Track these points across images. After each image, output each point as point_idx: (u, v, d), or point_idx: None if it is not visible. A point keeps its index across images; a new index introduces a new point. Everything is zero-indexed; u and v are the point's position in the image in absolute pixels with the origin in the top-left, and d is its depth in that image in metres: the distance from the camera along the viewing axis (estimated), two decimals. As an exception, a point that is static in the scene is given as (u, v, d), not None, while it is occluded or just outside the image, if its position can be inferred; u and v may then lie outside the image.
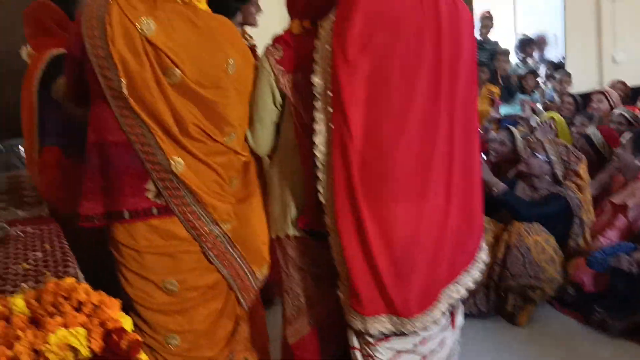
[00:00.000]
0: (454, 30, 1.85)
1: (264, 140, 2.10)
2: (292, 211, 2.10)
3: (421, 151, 1.84)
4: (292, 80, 1.99)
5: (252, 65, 2.06)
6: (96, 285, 1.39)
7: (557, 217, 3.22)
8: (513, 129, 3.86)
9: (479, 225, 2.09)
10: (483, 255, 2.11)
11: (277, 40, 2.06)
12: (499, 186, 3.24)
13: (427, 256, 1.87)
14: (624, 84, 5.63)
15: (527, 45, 6.83)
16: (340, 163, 1.84)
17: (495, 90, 5.94)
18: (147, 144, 1.86)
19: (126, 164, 1.87)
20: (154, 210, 1.90)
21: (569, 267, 3.22)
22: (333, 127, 1.85)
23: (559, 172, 3.34)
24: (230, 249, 2.02)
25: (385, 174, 1.82)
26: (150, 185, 1.89)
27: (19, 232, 2.11)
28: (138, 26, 1.80)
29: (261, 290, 2.23)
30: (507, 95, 6.12)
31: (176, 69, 1.82)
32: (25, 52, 2.68)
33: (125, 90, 1.81)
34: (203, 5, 1.92)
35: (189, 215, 1.91)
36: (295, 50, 2.01)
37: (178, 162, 1.87)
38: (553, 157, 3.34)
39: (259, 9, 3.57)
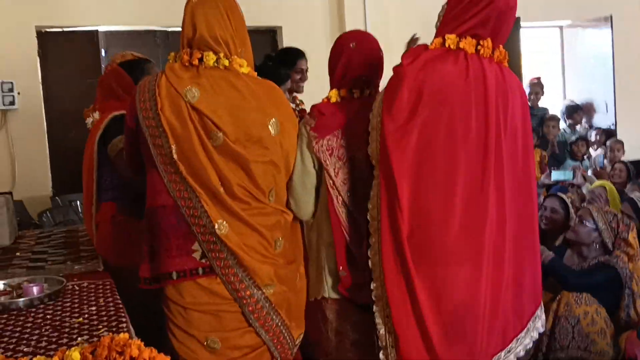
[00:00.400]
0: (502, 99, 1.89)
1: (305, 204, 2.16)
2: (327, 273, 2.15)
3: (470, 218, 1.85)
4: (325, 145, 2.11)
5: (296, 128, 2.16)
6: (143, 337, 1.45)
7: (607, 287, 3.13)
8: (564, 196, 3.82)
9: (535, 292, 2.06)
10: (539, 324, 2.08)
11: (312, 108, 2.21)
12: (546, 254, 3.19)
13: (479, 321, 1.86)
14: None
15: (574, 111, 6.81)
16: (389, 229, 1.88)
17: (544, 154, 5.90)
18: (193, 207, 1.95)
19: (174, 226, 1.97)
20: (200, 270, 1.97)
21: (621, 341, 3.11)
22: (382, 194, 1.90)
23: (608, 240, 3.26)
24: (272, 314, 2.03)
25: (434, 241, 1.85)
26: (196, 246, 1.97)
27: (75, 286, 2.19)
28: (183, 94, 1.94)
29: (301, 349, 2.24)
30: (556, 161, 6.07)
31: (219, 132, 1.93)
32: (90, 120, 2.85)
33: (175, 156, 1.93)
34: (245, 70, 2.03)
35: (231, 277, 1.96)
36: (328, 117, 2.13)
37: (222, 225, 1.95)
38: (602, 225, 3.27)
39: (303, 77, 3.76)
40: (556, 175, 4.83)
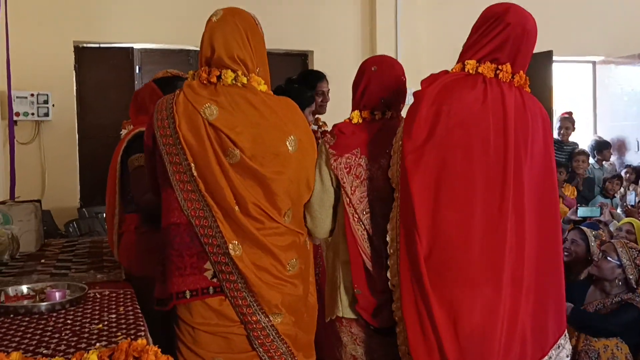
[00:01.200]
0: (522, 123, 1.89)
1: (321, 222, 2.16)
2: (343, 292, 2.14)
3: (488, 240, 1.84)
4: (343, 163, 2.12)
5: (315, 146, 2.15)
6: (162, 347, 1.45)
7: (631, 327, 3.06)
8: (585, 229, 3.76)
9: (558, 319, 2.01)
10: (563, 354, 2.02)
11: (333, 127, 2.25)
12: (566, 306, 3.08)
13: (494, 346, 1.82)
14: None
15: (603, 147, 6.73)
16: (407, 251, 1.88)
17: (572, 191, 5.82)
18: (208, 226, 1.93)
19: (187, 244, 1.95)
20: (211, 290, 1.95)
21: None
22: (400, 216, 1.91)
23: (632, 277, 3.17)
24: (278, 342, 1.99)
25: (451, 262, 1.83)
26: (208, 265, 1.95)
27: (96, 294, 2.20)
28: (201, 112, 1.93)
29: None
30: (583, 198, 5.98)
31: (236, 149, 1.92)
32: (123, 132, 2.90)
33: (195, 172, 1.92)
34: (263, 87, 2.02)
35: (239, 300, 1.94)
36: (348, 136, 2.16)
37: (237, 247, 1.93)
38: (626, 261, 3.18)
39: (325, 99, 3.76)
40: (583, 211, 4.75)
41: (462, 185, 1.84)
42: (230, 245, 1.92)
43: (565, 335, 2.05)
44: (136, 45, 5.83)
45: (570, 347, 2.09)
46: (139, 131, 2.66)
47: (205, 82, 1.99)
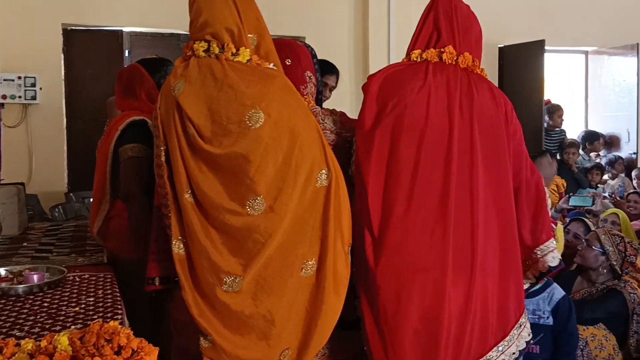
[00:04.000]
0: (467, 101, 1.94)
1: None
2: None
3: (434, 225, 1.86)
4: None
5: (309, 127, 1.87)
6: (139, 331, 1.43)
7: (618, 314, 3.07)
8: (587, 220, 3.77)
9: (518, 300, 2.02)
10: (525, 333, 2.03)
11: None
12: None
13: (445, 331, 1.84)
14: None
15: (594, 139, 6.73)
16: (362, 242, 1.91)
17: (561, 182, 5.83)
18: (167, 216, 1.85)
19: (162, 229, 1.89)
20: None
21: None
22: (356, 207, 1.94)
23: (616, 263, 3.20)
24: None
25: (401, 248, 1.86)
26: None
27: (75, 277, 2.18)
28: (173, 89, 1.81)
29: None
30: (576, 188, 5.99)
31: (191, 127, 1.76)
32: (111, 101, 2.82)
33: (163, 157, 1.84)
34: (243, 57, 1.82)
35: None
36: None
37: (179, 242, 1.81)
38: (609, 248, 3.21)
39: (324, 93, 3.55)
40: (575, 201, 4.75)
41: (408, 171, 1.88)
42: (173, 242, 1.81)
43: (525, 314, 2.05)
44: (125, 29, 5.76)
45: (529, 325, 2.08)
46: (133, 120, 2.60)
47: (185, 57, 1.88)
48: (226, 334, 1.74)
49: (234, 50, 1.82)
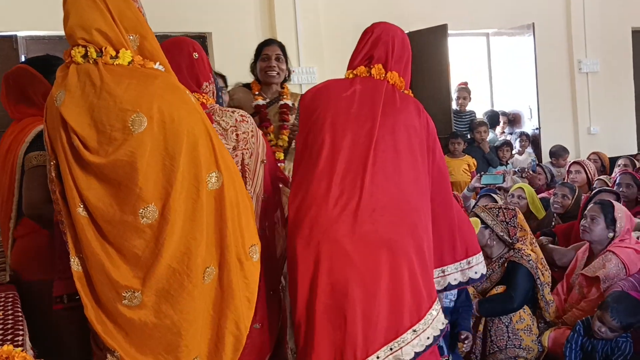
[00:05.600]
0: (391, 109, 2.12)
1: None
2: None
3: (344, 204, 1.99)
4: None
5: (204, 129, 1.80)
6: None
7: (528, 288, 3.20)
8: (495, 196, 3.91)
9: (430, 286, 2.10)
10: (439, 320, 2.09)
11: None
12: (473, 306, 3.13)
13: (356, 304, 1.91)
14: (599, 155, 5.82)
15: (496, 118, 7.00)
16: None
17: (472, 161, 6.03)
18: (64, 232, 1.79)
19: (65, 245, 1.82)
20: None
21: (544, 339, 3.17)
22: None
23: (504, 233, 3.29)
24: None
25: (315, 221, 1.99)
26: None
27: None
28: (55, 99, 1.74)
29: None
30: (487, 166, 6.22)
31: (76, 139, 1.70)
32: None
33: (53, 172, 1.78)
34: (124, 60, 1.76)
35: None
36: None
37: (77, 260, 1.75)
38: (490, 222, 3.29)
39: (269, 65, 3.51)
40: (486, 179, 4.93)
41: (330, 159, 2.04)
42: (72, 259, 1.75)
43: (438, 302, 2.13)
44: (20, 33, 5.49)
45: (443, 315, 2.15)
46: (40, 130, 2.43)
47: (67, 64, 1.79)
48: (132, 351, 1.70)
49: (113, 53, 1.75)
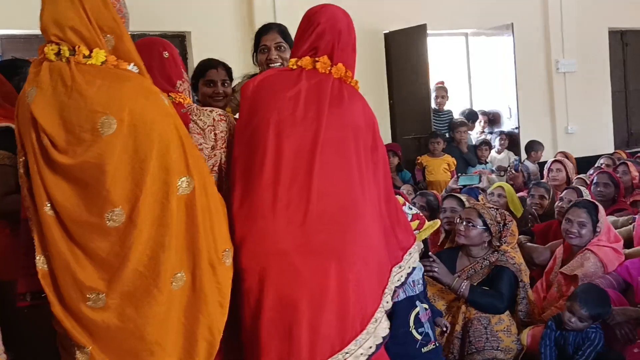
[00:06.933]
0: (337, 102, 2.06)
1: None
2: None
3: (294, 211, 1.95)
4: None
5: (172, 134, 1.78)
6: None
7: (513, 292, 3.20)
8: (461, 195, 3.92)
9: (374, 293, 2.07)
10: (383, 325, 2.07)
11: None
12: (462, 287, 3.09)
13: (305, 316, 1.89)
14: (567, 154, 5.94)
15: (473, 118, 7.05)
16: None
17: (452, 160, 6.06)
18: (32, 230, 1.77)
19: (32, 242, 1.80)
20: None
21: (522, 337, 3.19)
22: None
23: (496, 235, 3.27)
24: None
25: (261, 233, 1.95)
26: None
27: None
28: (27, 95, 1.73)
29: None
30: (466, 165, 6.25)
31: (45, 137, 1.69)
32: None
33: (22, 169, 1.77)
34: (97, 60, 1.74)
35: None
36: None
37: (42, 262, 1.73)
38: (490, 221, 3.26)
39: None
40: (463, 180, 4.96)
41: (275, 167, 1.97)
42: (37, 257, 1.73)
43: (381, 308, 2.09)
44: (-4, 32, 5.42)
45: (388, 322, 2.14)
46: (3, 126, 2.44)
47: (40, 60, 1.77)
48: (97, 350, 1.69)
49: (87, 52, 1.73)
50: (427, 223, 3.03)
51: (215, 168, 2.12)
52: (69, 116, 1.67)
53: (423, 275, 2.92)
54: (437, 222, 3.03)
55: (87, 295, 1.66)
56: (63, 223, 1.69)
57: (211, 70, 3.10)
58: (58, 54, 1.72)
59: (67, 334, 1.71)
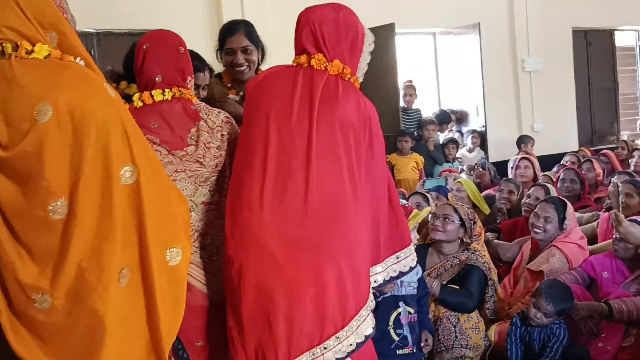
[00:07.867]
0: (331, 97, 2.08)
1: None
2: None
3: (277, 205, 1.97)
4: None
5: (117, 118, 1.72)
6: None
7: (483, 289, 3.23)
8: (428, 194, 3.94)
9: (359, 290, 2.05)
10: (368, 323, 2.05)
11: None
12: (432, 286, 3.11)
13: (282, 309, 1.91)
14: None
15: (446, 120, 7.10)
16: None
17: (420, 159, 6.09)
18: None
19: None
20: None
21: (490, 333, 3.21)
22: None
23: (468, 232, 3.28)
24: None
25: (244, 224, 1.98)
26: None
27: None
28: None
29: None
30: (432, 164, 6.29)
31: None
32: None
33: None
34: (40, 54, 1.69)
35: None
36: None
37: None
38: (464, 217, 3.27)
39: (237, 59, 2.96)
40: (430, 184, 4.99)
41: (264, 161, 2.01)
42: None
43: (367, 307, 2.07)
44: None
45: (374, 321, 2.12)
46: None
47: None
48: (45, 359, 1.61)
49: (30, 48, 1.68)
50: (414, 211, 3.06)
51: (219, 168, 2.19)
52: (9, 109, 1.62)
53: (421, 280, 2.94)
54: (428, 210, 3.06)
55: (33, 297, 1.59)
56: (9, 223, 1.62)
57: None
58: (2, 53, 1.67)
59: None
